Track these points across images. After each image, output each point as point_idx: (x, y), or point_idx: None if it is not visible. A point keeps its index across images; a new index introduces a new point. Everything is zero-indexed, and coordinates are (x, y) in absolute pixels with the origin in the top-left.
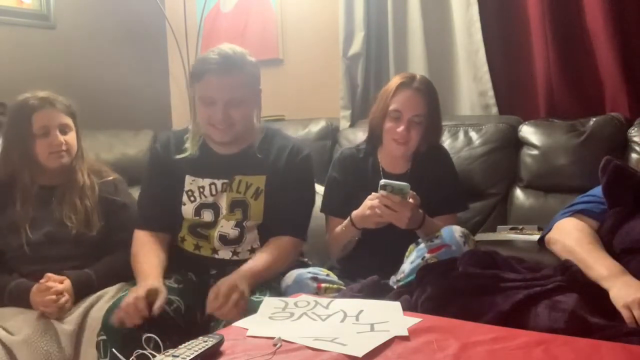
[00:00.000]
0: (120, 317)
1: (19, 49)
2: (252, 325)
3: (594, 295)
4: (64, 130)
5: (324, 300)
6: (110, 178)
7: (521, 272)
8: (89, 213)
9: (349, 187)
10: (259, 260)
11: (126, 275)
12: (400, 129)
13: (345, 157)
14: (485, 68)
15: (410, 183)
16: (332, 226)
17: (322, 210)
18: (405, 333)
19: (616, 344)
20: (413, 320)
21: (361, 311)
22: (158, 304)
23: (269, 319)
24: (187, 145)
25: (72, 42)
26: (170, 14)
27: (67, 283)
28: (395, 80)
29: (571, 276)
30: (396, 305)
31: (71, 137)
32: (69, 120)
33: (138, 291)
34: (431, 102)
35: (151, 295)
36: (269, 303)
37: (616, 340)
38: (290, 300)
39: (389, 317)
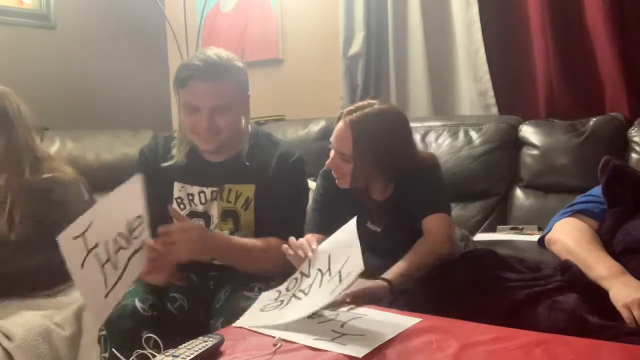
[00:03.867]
0: (146, 277)
1: (19, 49)
2: (243, 318)
3: (594, 295)
4: None
5: (305, 268)
6: (46, 176)
7: (521, 272)
8: (13, 214)
9: (333, 202)
10: (243, 239)
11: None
12: (330, 161)
13: (325, 173)
14: (485, 68)
15: (390, 208)
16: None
17: (305, 231)
18: (361, 265)
19: (616, 344)
20: (413, 320)
21: (329, 257)
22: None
23: (260, 311)
24: (174, 152)
25: (72, 42)
26: (170, 14)
27: None
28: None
29: (571, 276)
30: (352, 228)
31: None
32: None
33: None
34: (361, 141)
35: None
36: (265, 296)
37: (616, 340)
38: (282, 287)
39: (349, 256)
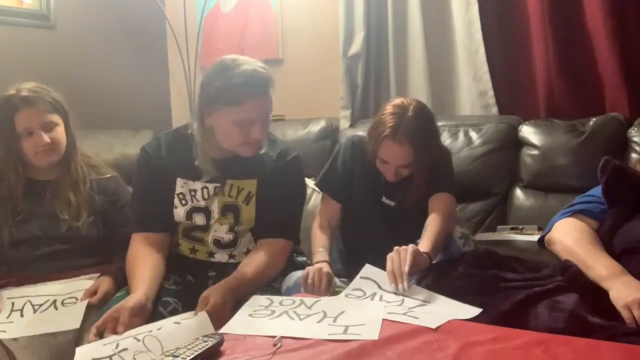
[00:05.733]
0: (99, 326)
1: (19, 49)
2: (231, 323)
3: (594, 295)
4: (48, 127)
5: (309, 300)
6: (109, 175)
7: (521, 272)
8: (80, 207)
9: (350, 171)
10: (247, 269)
11: None
12: (389, 174)
13: (354, 144)
14: (485, 68)
15: (404, 186)
16: (323, 208)
17: (317, 184)
18: (376, 337)
19: (616, 344)
20: (475, 310)
21: (342, 313)
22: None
23: (249, 316)
24: (197, 162)
25: (72, 42)
26: (170, 14)
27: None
28: (384, 121)
29: (571, 276)
30: (379, 308)
31: (58, 132)
32: (53, 117)
33: (123, 304)
34: (420, 146)
35: (135, 309)
36: (255, 301)
37: (616, 340)
38: (276, 298)
39: (366, 321)
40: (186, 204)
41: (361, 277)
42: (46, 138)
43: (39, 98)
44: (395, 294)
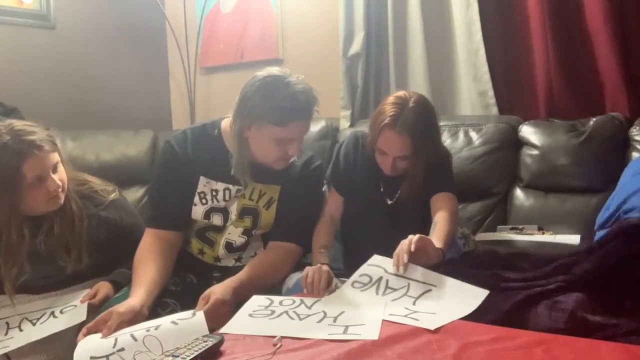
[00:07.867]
0: (90, 327)
1: (19, 49)
2: (231, 323)
3: (594, 295)
4: (55, 169)
5: (309, 300)
6: (108, 201)
7: (522, 270)
8: (81, 250)
9: (352, 165)
10: (254, 270)
11: None
12: (386, 166)
13: (357, 138)
14: (485, 68)
15: (402, 183)
16: (329, 203)
17: (325, 179)
18: (376, 337)
19: (616, 344)
20: (483, 293)
21: (342, 313)
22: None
23: (249, 316)
24: (233, 172)
25: (72, 42)
26: (170, 14)
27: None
28: (384, 111)
29: (572, 276)
30: (378, 312)
31: (61, 171)
32: (57, 156)
33: (115, 308)
34: (418, 138)
35: (126, 315)
36: (255, 301)
37: (616, 340)
38: (276, 298)
39: (365, 321)
40: (206, 203)
41: (368, 265)
42: (58, 181)
43: (42, 138)
44: (399, 276)
